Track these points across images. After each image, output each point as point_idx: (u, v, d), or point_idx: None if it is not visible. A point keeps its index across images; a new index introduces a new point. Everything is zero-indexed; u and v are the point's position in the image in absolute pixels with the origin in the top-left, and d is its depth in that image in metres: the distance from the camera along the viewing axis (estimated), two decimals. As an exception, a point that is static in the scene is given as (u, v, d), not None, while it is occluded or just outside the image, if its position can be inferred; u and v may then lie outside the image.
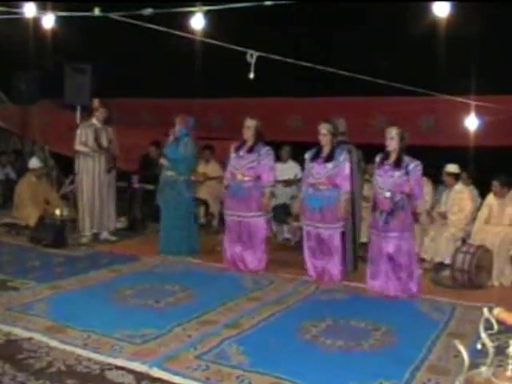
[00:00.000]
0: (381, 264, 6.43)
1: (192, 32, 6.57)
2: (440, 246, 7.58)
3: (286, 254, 8.21)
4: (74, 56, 11.27)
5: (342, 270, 6.94)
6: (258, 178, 7.25)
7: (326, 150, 6.88)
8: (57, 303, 5.71)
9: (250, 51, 6.82)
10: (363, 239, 7.68)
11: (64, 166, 11.84)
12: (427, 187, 8.17)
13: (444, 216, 7.81)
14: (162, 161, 8.12)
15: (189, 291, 6.29)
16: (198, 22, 6.32)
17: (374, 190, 6.59)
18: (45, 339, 4.74)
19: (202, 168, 9.99)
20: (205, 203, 9.99)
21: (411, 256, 6.43)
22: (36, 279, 6.58)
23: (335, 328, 5.31)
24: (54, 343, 4.67)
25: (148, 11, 6.19)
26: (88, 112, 9.37)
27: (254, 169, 7.25)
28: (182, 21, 6.51)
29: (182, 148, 7.97)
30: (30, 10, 6.74)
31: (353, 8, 11.48)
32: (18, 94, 12.02)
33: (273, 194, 7.99)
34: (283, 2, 5.83)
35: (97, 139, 8.67)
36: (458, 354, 4.25)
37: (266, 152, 7.27)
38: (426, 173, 7.83)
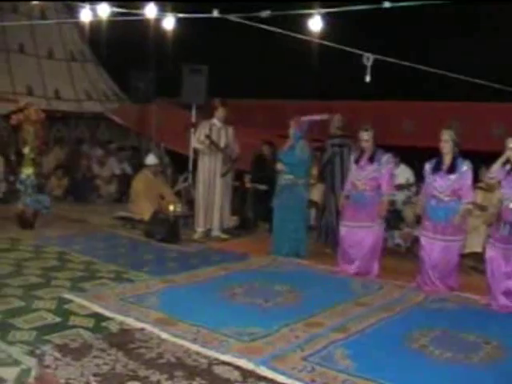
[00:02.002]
0: (501, 279, 6.07)
1: (308, 34, 6.56)
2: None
3: (396, 259, 8.06)
4: (192, 56, 11.55)
5: (456, 281, 6.75)
6: (379, 187, 7.13)
7: (447, 160, 6.59)
8: (168, 297, 5.86)
9: (366, 54, 6.76)
10: (477, 249, 7.46)
11: (179, 164, 12.13)
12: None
13: None
14: (279, 166, 8.12)
15: (297, 292, 6.29)
16: (315, 24, 6.30)
17: (501, 200, 6.13)
18: (156, 331, 4.87)
19: (313, 170, 9.97)
20: (315, 205, 9.98)
21: None
22: (149, 272, 6.80)
23: (444, 338, 5.16)
24: (164, 335, 4.78)
25: (266, 13, 6.24)
26: (208, 111, 9.52)
27: (375, 179, 7.12)
28: (298, 22, 6.52)
29: (298, 151, 7.96)
30: (150, 12, 6.91)
31: (469, 10, 11.19)
32: (135, 92, 12.46)
33: (392, 203, 7.69)
34: (402, 5, 5.73)
35: (208, 136, 8.76)
36: None
37: (386, 160, 7.14)
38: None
